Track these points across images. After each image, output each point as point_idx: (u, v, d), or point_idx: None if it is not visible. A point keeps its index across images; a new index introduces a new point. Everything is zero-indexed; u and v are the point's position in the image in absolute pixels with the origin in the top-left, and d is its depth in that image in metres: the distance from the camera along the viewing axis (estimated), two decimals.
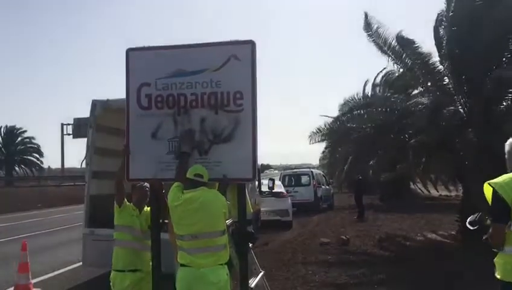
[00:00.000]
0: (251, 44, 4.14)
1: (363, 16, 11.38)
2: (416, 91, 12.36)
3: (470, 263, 8.03)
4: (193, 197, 3.75)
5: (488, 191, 3.27)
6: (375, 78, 23.33)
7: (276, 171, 25.32)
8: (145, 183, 4.54)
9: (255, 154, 4.05)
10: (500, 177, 3.23)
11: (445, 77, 10.84)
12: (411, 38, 10.90)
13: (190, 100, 4.14)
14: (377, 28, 11.13)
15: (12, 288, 7.31)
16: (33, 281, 7.45)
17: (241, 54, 4.12)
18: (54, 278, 8.42)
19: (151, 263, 4.35)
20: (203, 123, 4.10)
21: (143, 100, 4.26)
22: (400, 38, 10.93)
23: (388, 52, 11.17)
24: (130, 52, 4.37)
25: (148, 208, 4.56)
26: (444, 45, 10.53)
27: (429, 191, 22.84)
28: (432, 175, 15.15)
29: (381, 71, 21.33)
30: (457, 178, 11.96)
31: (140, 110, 4.27)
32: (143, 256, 4.49)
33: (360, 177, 17.03)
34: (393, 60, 11.36)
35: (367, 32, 11.31)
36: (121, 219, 4.53)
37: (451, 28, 10.21)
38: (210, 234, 3.71)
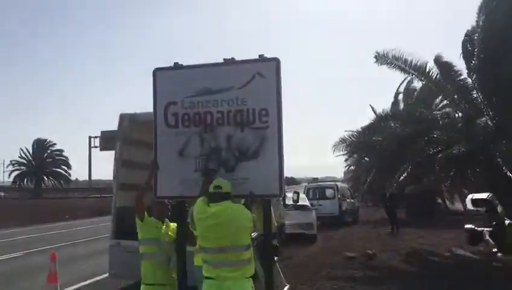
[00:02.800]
0: (276, 61, 4.16)
1: (376, 53, 11.54)
2: (441, 104, 12.23)
3: (498, 280, 7.82)
4: (219, 211, 3.76)
5: None
6: (397, 92, 23.25)
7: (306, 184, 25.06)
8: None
9: (281, 170, 4.06)
10: None
11: (474, 90, 10.71)
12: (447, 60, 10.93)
13: (216, 118, 4.18)
14: (393, 54, 11.20)
15: None
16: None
17: (265, 72, 4.15)
18: (82, 289, 8.53)
19: (174, 276, 4.38)
20: (229, 140, 4.14)
21: (170, 119, 4.32)
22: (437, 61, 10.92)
23: (410, 70, 11.17)
24: (157, 72, 4.45)
25: (170, 223, 4.60)
26: (474, 59, 10.45)
27: (452, 204, 22.35)
28: (460, 189, 14.86)
29: (401, 83, 21.19)
30: (489, 191, 11.68)
31: (168, 129, 4.32)
32: (169, 269, 4.52)
33: (393, 191, 16.80)
34: (417, 77, 11.31)
35: (384, 63, 11.39)
36: (145, 232, 4.55)
37: (481, 45, 10.15)
38: (235, 248, 3.71)
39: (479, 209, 9.27)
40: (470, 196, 8.40)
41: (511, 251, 9.57)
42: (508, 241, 9.38)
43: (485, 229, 9.61)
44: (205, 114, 4.22)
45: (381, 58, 11.23)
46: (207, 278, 3.75)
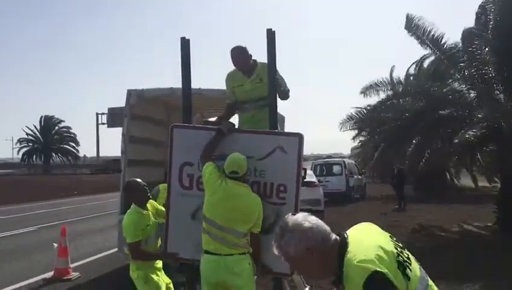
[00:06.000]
0: (299, 137, 4.02)
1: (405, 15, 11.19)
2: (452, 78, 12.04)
3: (508, 254, 7.83)
4: (239, 193, 3.73)
5: None
6: (408, 68, 22.92)
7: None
8: (140, 181, 4.34)
9: None
10: None
11: (487, 66, 10.51)
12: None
13: None
14: (418, 21, 10.92)
15: (52, 272, 7.58)
16: (72, 265, 7.69)
17: (287, 146, 3.98)
18: (91, 263, 8.67)
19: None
20: None
21: (184, 179, 4.13)
22: None
23: (427, 42, 10.92)
24: (174, 128, 4.26)
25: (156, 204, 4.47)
26: (489, 32, 10.24)
27: (459, 182, 22.28)
28: (470, 165, 14.79)
29: (421, 59, 20.84)
30: (497, 168, 11.59)
31: (181, 189, 4.14)
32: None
33: (402, 167, 16.74)
34: (432, 49, 11.07)
35: (409, 30, 11.11)
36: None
37: (495, 17, 9.93)
38: (235, 232, 3.70)
39: None
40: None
41: None
42: None
43: None
44: None
45: (409, 22, 10.93)
46: (206, 252, 3.73)
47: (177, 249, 4.13)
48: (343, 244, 1.84)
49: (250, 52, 4.39)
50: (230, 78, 4.57)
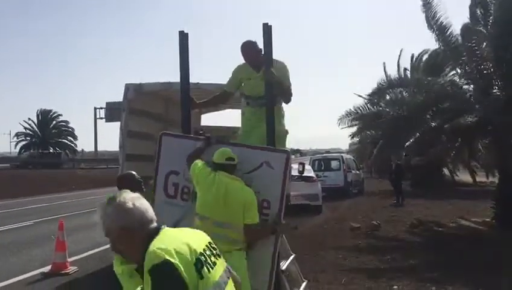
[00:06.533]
0: (286, 154, 4.02)
1: None
2: (452, 73, 12.02)
3: (506, 250, 7.85)
4: (234, 187, 3.68)
5: None
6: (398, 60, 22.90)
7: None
8: (135, 174, 4.28)
9: (273, 265, 3.91)
10: None
11: (486, 61, 10.47)
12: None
13: None
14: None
15: (50, 266, 7.58)
16: (70, 259, 7.69)
17: (274, 163, 3.97)
18: (89, 257, 8.66)
19: None
20: None
21: (169, 188, 4.13)
22: None
23: (434, 26, 10.83)
24: (163, 136, 4.27)
25: None
26: (488, 27, 10.21)
27: (457, 175, 22.32)
28: (469, 160, 14.81)
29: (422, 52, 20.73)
30: (496, 162, 11.57)
31: (166, 197, 4.13)
32: None
33: (399, 162, 16.76)
34: (437, 36, 10.98)
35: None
36: None
37: (495, 12, 9.90)
38: (237, 228, 3.64)
39: None
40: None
41: None
42: None
43: None
44: None
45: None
46: None
47: None
48: (154, 233, 1.85)
49: (260, 48, 4.37)
50: (240, 68, 4.59)
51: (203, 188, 3.73)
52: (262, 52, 4.36)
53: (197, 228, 3.64)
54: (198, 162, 3.85)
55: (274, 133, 4.28)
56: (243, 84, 4.64)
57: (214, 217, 3.63)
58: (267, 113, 4.29)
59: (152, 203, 4.06)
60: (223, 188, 3.67)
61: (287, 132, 4.75)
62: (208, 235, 3.57)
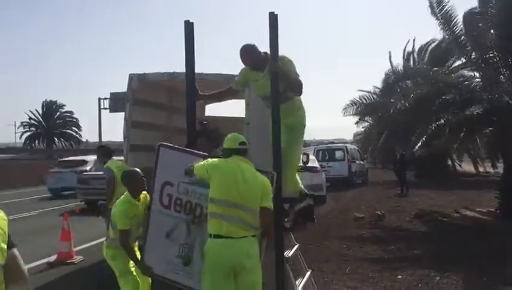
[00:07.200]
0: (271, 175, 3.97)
1: None
2: (457, 63, 11.93)
3: (510, 239, 7.85)
4: (250, 170, 3.70)
5: None
6: (404, 50, 22.81)
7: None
8: (139, 171, 4.44)
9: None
10: None
11: (491, 50, 10.37)
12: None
13: (205, 213, 3.94)
14: None
15: (56, 256, 7.64)
16: (75, 249, 7.75)
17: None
18: (94, 247, 8.71)
19: None
20: None
21: (164, 198, 4.16)
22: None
23: (438, 15, 10.71)
24: (161, 147, 4.31)
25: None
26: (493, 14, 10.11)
27: (460, 166, 22.26)
28: (471, 151, 14.76)
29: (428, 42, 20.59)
30: (500, 153, 11.52)
31: (161, 207, 4.17)
32: None
33: (404, 153, 16.72)
34: (442, 25, 10.86)
35: None
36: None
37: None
38: (254, 210, 3.61)
39: None
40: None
41: None
42: None
43: None
44: (196, 205, 4.04)
45: None
46: (216, 236, 3.60)
47: (151, 263, 4.20)
48: None
49: (258, 49, 4.30)
50: (247, 70, 4.49)
51: (218, 175, 3.68)
52: (264, 52, 4.31)
53: (211, 214, 3.70)
54: (204, 161, 3.84)
55: (279, 124, 4.24)
56: (250, 86, 4.61)
57: (230, 199, 3.61)
58: (273, 102, 4.24)
59: (148, 211, 4.22)
60: (239, 170, 3.65)
61: (303, 125, 4.69)
62: (224, 218, 3.62)
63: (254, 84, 4.52)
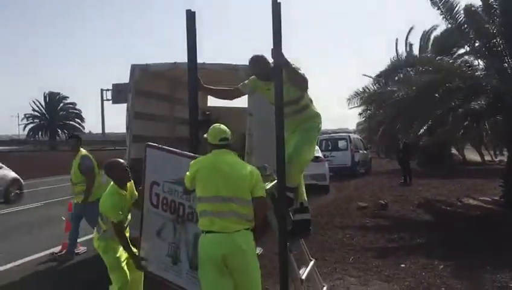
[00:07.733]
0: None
1: None
2: (461, 51, 11.83)
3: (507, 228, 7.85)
4: (232, 160, 3.67)
5: None
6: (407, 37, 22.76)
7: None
8: (123, 161, 4.50)
9: None
10: None
11: (495, 38, 10.26)
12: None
13: (187, 213, 4.00)
14: None
15: (60, 246, 7.68)
16: (79, 240, 7.77)
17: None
18: None
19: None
20: (197, 239, 3.81)
21: (153, 198, 4.21)
22: None
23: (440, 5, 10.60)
24: (147, 148, 4.32)
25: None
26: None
27: (464, 156, 22.23)
28: (478, 140, 14.71)
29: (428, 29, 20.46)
30: (506, 141, 11.46)
31: (151, 206, 4.22)
32: None
33: (407, 142, 16.67)
34: (443, 13, 10.75)
35: None
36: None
37: None
38: (244, 201, 3.58)
39: None
40: None
41: None
42: None
43: None
44: (179, 205, 4.06)
45: None
46: (209, 232, 3.57)
47: (145, 260, 4.28)
48: None
49: (267, 60, 4.26)
50: (258, 80, 4.47)
51: (201, 173, 3.64)
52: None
53: (201, 212, 3.67)
54: (196, 160, 3.79)
55: (282, 118, 4.19)
56: (259, 93, 4.62)
57: (218, 194, 3.57)
58: (276, 89, 4.17)
59: (141, 209, 4.24)
60: (223, 163, 3.63)
61: (319, 129, 4.64)
62: (215, 215, 3.59)
63: (266, 94, 4.48)
